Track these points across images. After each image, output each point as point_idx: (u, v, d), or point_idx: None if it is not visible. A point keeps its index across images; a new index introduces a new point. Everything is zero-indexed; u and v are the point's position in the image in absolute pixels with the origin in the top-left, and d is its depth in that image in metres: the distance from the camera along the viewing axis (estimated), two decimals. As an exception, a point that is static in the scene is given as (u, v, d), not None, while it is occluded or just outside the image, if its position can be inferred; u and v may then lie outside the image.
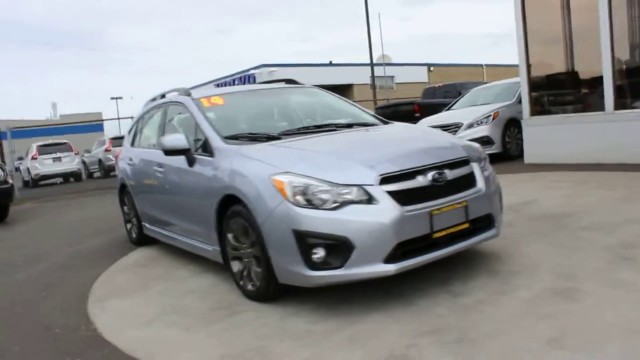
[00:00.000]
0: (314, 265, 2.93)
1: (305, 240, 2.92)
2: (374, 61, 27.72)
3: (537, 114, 8.26)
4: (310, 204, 2.96)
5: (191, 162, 3.98)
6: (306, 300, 3.27)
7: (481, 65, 45.42)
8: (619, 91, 7.11)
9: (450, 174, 3.20)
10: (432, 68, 45.08)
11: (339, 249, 2.90)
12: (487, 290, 3.11)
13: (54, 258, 5.65)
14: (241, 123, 4.31)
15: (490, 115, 9.24)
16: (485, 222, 3.40)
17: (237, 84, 32.05)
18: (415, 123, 12.04)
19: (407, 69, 40.36)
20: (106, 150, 19.07)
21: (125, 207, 5.88)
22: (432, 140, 3.70)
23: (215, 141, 3.81)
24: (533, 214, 4.76)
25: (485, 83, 16.14)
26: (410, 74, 40.19)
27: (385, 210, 2.92)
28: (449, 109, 11.12)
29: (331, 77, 34.95)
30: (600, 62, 7.28)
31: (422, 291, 3.19)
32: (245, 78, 35.01)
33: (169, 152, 4.04)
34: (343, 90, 35.10)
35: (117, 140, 19.01)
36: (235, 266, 3.59)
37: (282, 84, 5.21)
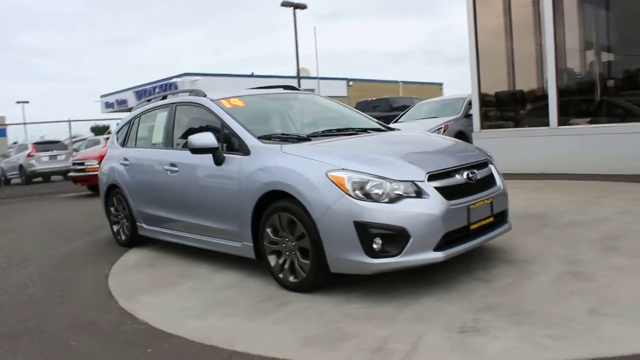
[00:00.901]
0: (374, 254, 3.21)
1: (366, 231, 3.19)
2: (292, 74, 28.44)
3: (486, 128, 9.10)
4: (368, 197, 3.24)
5: (219, 160, 4.09)
6: (349, 289, 3.51)
7: (397, 82, 47.84)
8: (561, 109, 8.07)
9: (478, 174, 3.63)
10: (351, 83, 46.72)
11: (397, 238, 3.20)
12: (512, 275, 3.55)
13: (40, 260, 5.40)
14: (263, 124, 4.49)
15: (441, 128, 10.00)
16: (501, 217, 3.87)
17: (158, 92, 31.29)
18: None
19: (327, 83, 41.54)
20: (29, 155, 17.87)
21: (112, 209, 5.76)
22: (456, 145, 4.13)
23: (251, 140, 3.97)
24: (511, 215, 5.34)
25: (415, 99, 17.27)
26: (330, 88, 41.36)
27: (435, 204, 3.27)
28: (396, 122, 11.78)
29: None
30: (538, 82, 8.27)
31: (455, 279, 3.56)
32: (167, 86, 34.26)
33: (196, 150, 4.13)
34: (265, 102, 35.58)
35: (43, 145, 17.95)
36: (273, 260, 3.76)
37: (282, 90, 5.40)
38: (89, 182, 11.20)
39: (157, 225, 5.07)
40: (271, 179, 3.66)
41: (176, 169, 4.60)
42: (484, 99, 9.19)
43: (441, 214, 3.27)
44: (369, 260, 3.21)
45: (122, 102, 36.63)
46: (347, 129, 4.46)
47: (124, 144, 5.69)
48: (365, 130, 4.53)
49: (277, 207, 3.63)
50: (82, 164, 11.47)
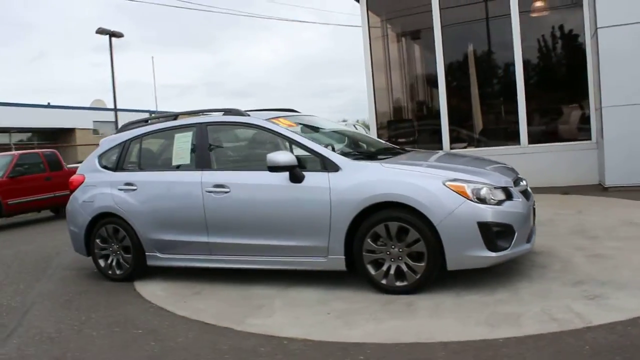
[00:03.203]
0: (494, 248, 3.77)
1: (488, 229, 3.74)
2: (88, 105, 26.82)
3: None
4: (482, 202, 3.81)
5: (300, 178, 4.19)
6: (441, 286, 3.98)
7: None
8: (451, 134, 9.67)
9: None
10: (153, 115, 45.92)
11: (507, 234, 3.82)
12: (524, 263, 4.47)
13: (38, 289, 4.55)
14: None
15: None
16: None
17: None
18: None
19: (128, 115, 40.20)
20: None
21: (98, 241, 5.12)
22: (488, 159, 4.94)
23: (337, 158, 4.19)
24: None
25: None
26: (131, 119, 40.18)
27: (523, 204, 4.01)
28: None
29: (50, 120, 32.70)
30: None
31: (517, 272, 4.32)
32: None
33: (276, 168, 4.16)
34: (64, 134, 33.60)
35: None
36: (372, 269, 4.02)
37: (290, 112, 5.54)
38: None
39: (183, 253, 4.74)
40: (379, 191, 3.94)
41: (226, 190, 4.46)
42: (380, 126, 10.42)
43: (528, 213, 4.02)
44: (490, 254, 3.76)
45: None
46: (392, 149, 4.95)
47: (116, 168, 5.14)
48: (406, 151, 5.08)
49: (385, 217, 3.93)
50: None
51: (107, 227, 5.07)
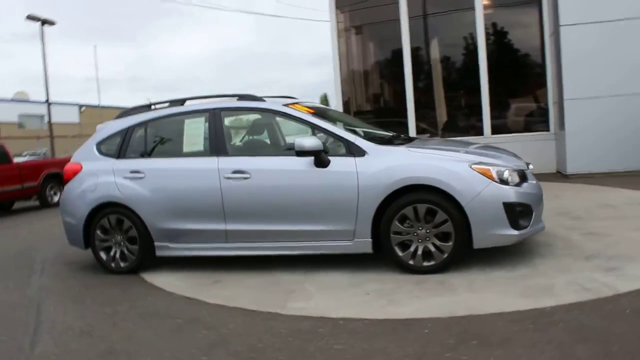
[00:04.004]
0: (517, 227, 4.01)
1: (512, 209, 3.97)
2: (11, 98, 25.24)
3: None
4: (505, 183, 4.03)
5: (325, 163, 4.22)
6: (464, 265, 4.18)
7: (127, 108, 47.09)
8: (417, 126, 10.01)
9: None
10: (83, 108, 44.08)
11: (526, 213, 4.07)
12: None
13: (36, 285, 4.26)
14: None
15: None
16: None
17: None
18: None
19: (57, 109, 38.33)
20: None
21: (99, 232, 4.88)
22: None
23: (363, 142, 4.26)
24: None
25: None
26: (61, 113, 38.24)
27: (537, 186, 4.29)
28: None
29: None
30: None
31: (526, 250, 4.61)
32: None
33: (303, 153, 4.18)
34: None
35: None
36: (400, 250, 4.14)
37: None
38: None
39: (197, 241, 4.64)
40: (409, 174, 4.06)
41: (246, 175, 4.41)
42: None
43: (541, 194, 4.31)
44: (514, 232, 4.00)
45: None
46: (401, 136, 5.11)
47: (119, 155, 4.91)
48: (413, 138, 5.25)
49: (413, 199, 4.06)
50: None
51: (109, 217, 4.84)
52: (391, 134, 5.19)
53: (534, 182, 4.29)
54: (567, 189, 7.31)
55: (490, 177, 4.00)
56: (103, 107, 41.00)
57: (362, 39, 11.63)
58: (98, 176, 4.89)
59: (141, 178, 4.73)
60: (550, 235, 4.87)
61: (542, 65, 9.23)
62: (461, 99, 10.55)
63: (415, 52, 10.16)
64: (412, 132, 9.91)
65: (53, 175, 11.44)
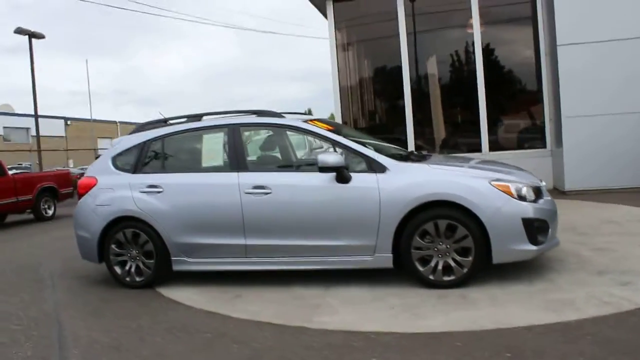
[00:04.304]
0: (536, 242, 4.10)
1: (532, 224, 4.08)
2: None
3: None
4: (523, 199, 4.14)
5: (347, 179, 4.29)
6: (480, 280, 4.26)
7: (115, 122, 47.14)
8: (415, 143, 10.15)
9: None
10: (69, 122, 44.00)
11: (543, 229, 4.18)
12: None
13: (50, 300, 4.21)
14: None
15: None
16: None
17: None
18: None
19: (43, 122, 38.26)
20: None
21: (114, 246, 4.87)
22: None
23: (384, 159, 4.35)
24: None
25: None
26: (47, 127, 38.14)
27: (552, 202, 4.41)
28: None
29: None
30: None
31: (539, 265, 4.71)
32: None
33: (326, 169, 4.25)
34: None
35: None
36: (420, 265, 4.21)
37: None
38: None
39: (216, 256, 4.65)
40: (431, 190, 4.14)
41: (267, 191, 4.45)
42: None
43: (555, 210, 4.42)
44: (532, 248, 4.09)
45: None
46: (411, 152, 5.20)
47: (135, 170, 4.92)
48: (414, 153, 5.34)
49: (434, 215, 4.14)
50: None
51: (125, 231, 4.83)
52: (407, 151, 5.29)
53: (549, 198, 4.41)
54: (568, 205, 7.47)
55: (509, 194, 4.11)
56: (89, 121, 40.72)
57: (360, 55, 11.80)
58: (114, 190, 4.89)
59: (159, 192, 4.74)
60: (560, 251, 4.97)
61: (539, 83, 9.47)
62: (459, 116, 10.74)
63: (413, 68, 10.34)
64: (411, 149, 10.04)
65: (47, 189, 11.32)
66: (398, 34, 10.05)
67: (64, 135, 40.46)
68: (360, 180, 4.31)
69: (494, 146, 9.67)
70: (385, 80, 11.40)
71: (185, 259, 4.73)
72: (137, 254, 4.84)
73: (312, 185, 4.40)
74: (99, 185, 4.98)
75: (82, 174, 21.47)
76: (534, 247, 4.11)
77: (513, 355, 2.91)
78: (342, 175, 4.30)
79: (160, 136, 4.98)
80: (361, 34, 11.39)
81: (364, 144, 4.73)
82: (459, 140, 10.37)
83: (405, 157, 4.71)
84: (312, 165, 4.47)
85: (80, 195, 5.08)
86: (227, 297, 4.42)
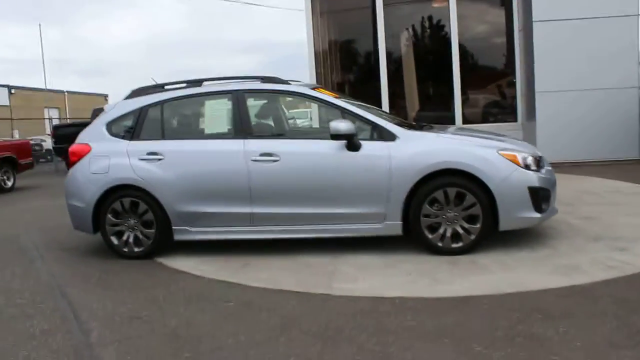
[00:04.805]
0: (540, 210, 4.26)
1: (537, 193, 4.22)
2: None
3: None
4: (528, 168, 4.28)
5: (357, 146, 4.29)
6: (484, 247, 4.41)
7: (63, 92, 45.14)
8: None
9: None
10: (13, 90, 41.81)
11: (546, 197, 4.35)
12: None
13: (44, 272, 4.02)
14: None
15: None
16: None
17: None
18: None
19: None
20: None
21: (110, 216, 4.68)
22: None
23: (394, 128, 4.36)
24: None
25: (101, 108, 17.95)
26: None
27: (552, 172, 4.59)
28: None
29: None
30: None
31: (535, 232, 4.91)
32: None
33: (338, 136, 4.22)
34: None
35: None
36: (428, 232, 4.30)
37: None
38: None
39: (220, 225, 4.56)
40: (442, 159, 4.20)
41: (275, 158, 4.38)
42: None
43: (555, 180, 4.60)
44: (537, 215, 4.25)
45: None
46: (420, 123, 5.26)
47: (132, 136, 4.71)
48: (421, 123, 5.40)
49: (444, 183, 4.21)
50: None
51: (123, 200, 4.65)
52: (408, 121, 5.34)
53: (549, 168, 4.58)
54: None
55: (517, 163, 4.23)
56: (36, 90, 38.46)
57: (334, 26, 11.65)
58: (110, 158, 4.67)
59: (160, 160, 4.57)
60: (552, 220, 5.17)
61: (511, 59, 9.71)
62: (433, 89, 10.88)
63: (389, 41, 10.34)
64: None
65: (6, 159, 10.68)
66: (375, 6, 10.00)
67: (7, 104, 38.03)
68: (371, 148, 4.31)
69: (467, 120, 9.89)
70: (359, 52, 11.36)
71: (187, 228, 4.62)
72: (135, 224, 4.68)
73: (322, 152, 4.37)
74: (93, 152, 4.75)
75: (39, 145, 20.31)
76: (538, 215, 4.27)
77: (544, 317, 3.03)
78: (352, 143, 4.29)
79: (159, 101, 4.77)
80: (336, 4, 11.23)
81: (371, 112, 4.73)
82: (433, 114, 10.52)
83: (411, 126, 4.74)
84: (318, 133, 4.42)
85: (72, 163, 4.83)
86: (235, 266, 4.37)
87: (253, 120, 4.58)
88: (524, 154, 4.32)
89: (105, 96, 45.66)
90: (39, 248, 5.36)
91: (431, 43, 10.77)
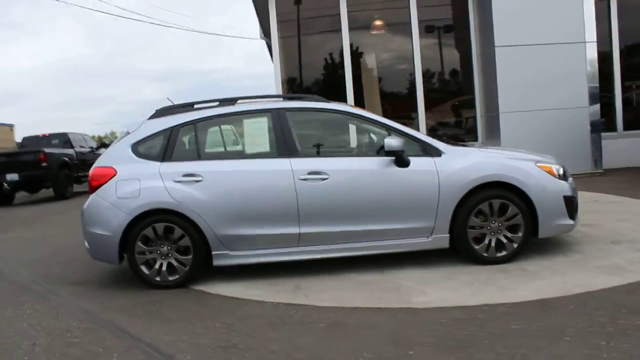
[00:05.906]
0: (574, 217, 4.55)
1: (571, 201, 4.52)
2: None
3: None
4: (561, 179, 4.57)
5: (407, 163, 4.36)
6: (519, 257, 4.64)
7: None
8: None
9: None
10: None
11: (577, 204, 4.66)
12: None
13: (72, 306, 3.61)
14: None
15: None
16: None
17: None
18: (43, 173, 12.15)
19: None
20: None
21: (140, 243, 4.34)
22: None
23: (439, 144, 4.49)
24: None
25: (86, 135, 17.11)
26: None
27: (573, 183, 4.92)
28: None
29: None
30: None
31: (552, 240, 5.21)
32: None
33: (390, 153, 4.28)
34: None
35: None
36: (475, 243, 4.43)
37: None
38: None
39: (264, 247, 4.40)
40: (487, 172, 4.38)
41: (324, 176, 4.33)
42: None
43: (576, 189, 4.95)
44: (571, 222, 4.55)
45: None
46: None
47: (164, 158, 4.42)
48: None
49: (489, 195, 4.39)
50: None
51: (156, 226, 4.34)
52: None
53: (572, 179, 4.91)
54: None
55: (552, 174, 4.52)
56: None
57: (300, 49, 11.74)
58: (141, 181, 4.36)
59: (198, 181, 4.34)
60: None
61: (470, 82, 10.33)
62: (399, 111, 11.27)
63: (356, 65, 10.59)
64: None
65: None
66: (340, 31, 10.25)
67: None
68: (419, 163, 4.40)
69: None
70: (326, 73, 11.50)
71: (228, 252, 4.39)
72: (168, 251, 4.38)
73: (371, 169, 4.40)
74: (120, 175, 4.40)
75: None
76: (572, 222, 4.56)
77: (629, 311, 3.23)
78: (402, 159, 4.35)
79: (192, 120, 4.54)
80: (302, 26, 11.35)
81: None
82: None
83: (451, 143, 4.88)
84: (364, 150, 4.44)
85: (94, 188, 4.44)
86: (287, 288, 4.22)
87: (296, 138, 4.50)
88: (557, 165, 4.62)
89: (11, 126, 42.32)
90: (40, 283, 4.83)
91: (396, 68, 11.18)
